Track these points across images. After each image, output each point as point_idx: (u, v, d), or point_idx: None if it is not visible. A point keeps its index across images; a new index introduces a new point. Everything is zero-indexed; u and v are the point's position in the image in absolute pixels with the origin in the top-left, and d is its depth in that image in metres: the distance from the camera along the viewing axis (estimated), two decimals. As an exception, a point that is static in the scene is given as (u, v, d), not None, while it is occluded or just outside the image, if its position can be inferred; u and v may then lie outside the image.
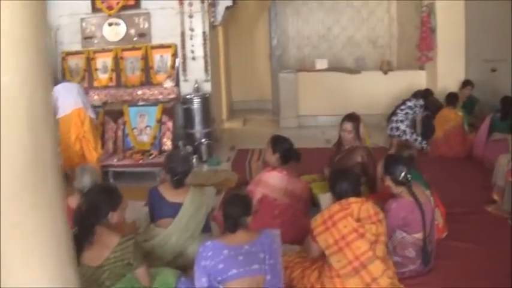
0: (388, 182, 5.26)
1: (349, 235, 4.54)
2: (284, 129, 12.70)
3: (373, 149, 7.27)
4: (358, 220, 4.59)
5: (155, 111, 9.54)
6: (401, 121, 10.22)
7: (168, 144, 9.37)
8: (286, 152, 6.10)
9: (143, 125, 9.53)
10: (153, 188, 5.48)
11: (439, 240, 5.88)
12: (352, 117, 6.91)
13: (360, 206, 4.64)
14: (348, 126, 6.80)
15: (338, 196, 4.76)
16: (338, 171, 5.02)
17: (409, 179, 5.16)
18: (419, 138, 10.23)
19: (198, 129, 10.32)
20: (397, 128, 10.23)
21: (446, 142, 9.81)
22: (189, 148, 9.76)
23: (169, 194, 5.37)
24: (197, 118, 10.31)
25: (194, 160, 9.57)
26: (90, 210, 4.29)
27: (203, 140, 10.14)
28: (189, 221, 5.29)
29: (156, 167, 8.60)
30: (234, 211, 4.25)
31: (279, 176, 5.99)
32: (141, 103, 9.90)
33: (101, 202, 4.38)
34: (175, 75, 10.62)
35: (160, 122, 9.48)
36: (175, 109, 10.19)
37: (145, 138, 9.46)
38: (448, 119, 9.91)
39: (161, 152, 9.22)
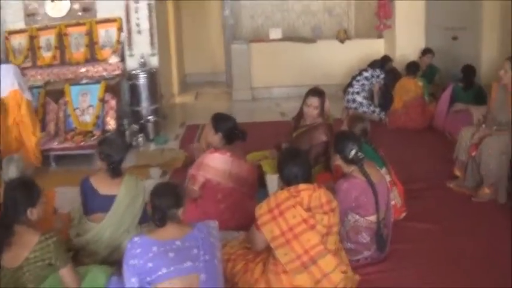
0: (338, 160, 4.82)
1: (298, 226, 4.04)
2: (237, 102, 12.38)
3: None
4: (308, 209, 4.10)
5: (98, 90, 8.91)
6: (358, 93, 9.82)
7: (111, 124, 8.74)
8: (229, 132, 5.58)
9: (85, 104, 8.89)
10: (84, 179, 4.95)
11: (397, 221, 5.48)
12: (319, 92, 6.41)
13: (310, 194, 4.14)
14: (315, 101, 6.28)
15: (287, 181, 4.27)
16: (288, 153, 4.47)
17: (361, 156, 4.71)
18: (377, 110, 9.82)
19: (144, 106, 9.79)
20: (354, 100, 9.81)
21: (406, 113, 9.40)
22: (135, 127, 9.21)
23: (103, 186, 4.88)
24: (143, 94, 9.77)
25: (140, 139, 9.11)
26: (6, 208, 3.93)
27: (150, 118, 9.58)
28: (124, 214, 4.83)
29: None
30: (163, 202, 3.76)
31: (222, 158, 5.49)
32: (84, 81, 9.25)
33: (17, 199, 3.95)
34: (120, 51, 10.06)
35: (103, 100, 8.84)
36: (121, 86, 9.60)
37: (88, 118, 8.84)
38: (408, 89, 9.47)
39: (104, 132, 8.61)
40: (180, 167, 7.63)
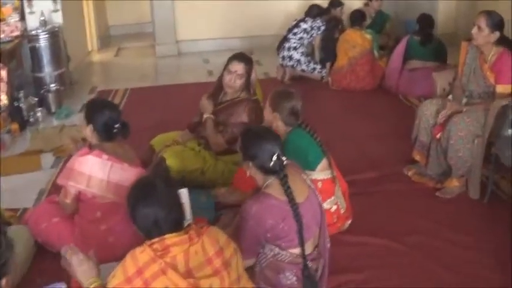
0: (252, 170, 3.41)
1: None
2: (161, 58, 11.00)
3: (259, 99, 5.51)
4: (188, 273, 2.65)
5: (-15, 58, 7.40)
6: (295, 48, 8.45)
7: (3, 100, 7.20)
8: (104, 125, 4.10)
9: (-27, 76, 7.37)
10: None
11: (339, 235, 4.24)
12: (245, 58, 5.13)
13: (186, 249, 2.69)
14: (240, 68, 5.02)
15: (145, 232, 2.80)
16: (140, 186, 2.90)
17: (284, 163, 3.34)
18: (318, 67, 8.49)
19: (47, 71, 8.31)
20: (290, 57, 8.44)
21: (352, 72, 8.00)
22: (32, 99, 7.70)
23: None
24: (45, 58, 8.27)
25: (39, 114, 7.63)
26: None
27: (51, 86, 8.07)
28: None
29: None
30: None
31: (97, 162, 4.04)
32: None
33: None
34: (21, 7, 8.50)
35: (-9, 72, 7.29)
36: (20, 50, 8.19)
37: (-23, 93, 7.29)
38: (354, 44, 8.02)
39: (-5, 108, 7.16)
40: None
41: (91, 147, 4.11)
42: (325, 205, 4.11)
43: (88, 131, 4.13)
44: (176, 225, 2.77)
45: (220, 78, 5.16)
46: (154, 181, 2.84)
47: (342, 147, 5.71)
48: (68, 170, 4.06)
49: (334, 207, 4.21)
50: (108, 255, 3.78)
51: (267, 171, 3.33)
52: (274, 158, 3.28)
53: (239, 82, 5.03)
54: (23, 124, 7.21)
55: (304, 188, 3.45)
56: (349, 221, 4.38)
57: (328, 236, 3.58)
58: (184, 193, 3.93)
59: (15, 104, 7.36)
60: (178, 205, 2.84)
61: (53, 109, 7.89)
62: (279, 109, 4.20)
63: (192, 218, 3.93)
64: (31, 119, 7.43)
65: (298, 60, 8.36)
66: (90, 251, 3.20)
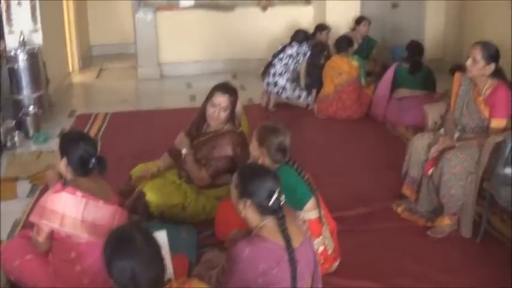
0: (248, 210, 3.13)
1: None
2: (143, 81, 10.73)
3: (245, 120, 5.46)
4: None
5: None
6: (280, 74, 8.23)
7: (-21, 122, 6.97)
8: (79, 160, 3.85)
9: (-51, 99, 7.13)
10: None
11: (327, 277, 3.96)
12: (229, 89, 4.91)
13: None
14: (223, 100, 4.80)
15: (120, 285, 2.58)
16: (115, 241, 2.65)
17: (282, 202, 3.12)
18: (304, 94, 8.27)
19: (26, 94, 8.01)
20: (275, 84, 8.22)
21: (339, 99, 7.77)
22: (10, 122, 7.38)
23: None
24: (24, 80, 7.98)
25: (16, 138, 7.33)
26: None
27: (30, 109, 7.81)
28: None
29: None
30: None
31: (70, 200, 3.77)
32: None
33: None
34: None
35: (-32, 93, 7.04)
36: (-1, 71, 7.89)
37: (-49, 116, 7.04)
38: (340, 71, 7.80)
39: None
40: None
41: (65, 183, 3.90)
42: (312, 246, 3.93)
43: (62, 165, 3.89)
44: (156, 282, 2.55)
45: (203, 108, 4.93)
46: (133, 232, 2.59)
47: (329, 180, 5.51)
48: (41, 207, 3.80)
49: (321, 247, 3.99)
50: None
51: (265, 210, 3.09)
52: (275, 196, 3.07)
53: (223, 114, 4.82)
54: (0, 148, 6.95)
55: (299, 233, 3.22)
56: (337, 262, 4.15)
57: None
58: (162, 236, 3.76)
59: (-8, 127, 7.11)
60: (159, 260, 2.60)
61: (31, 133, 7.60)
62: (266, 144, 3.99)
63: (169, 264, 3.75)
64: (8, 144, 7.15)
65: (283, 87, 8.14)
66: None
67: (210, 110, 4.83)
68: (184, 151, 4.87)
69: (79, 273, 3.80)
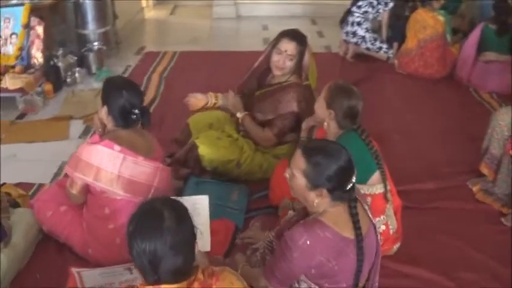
0: (320, 196, 2.65)
1: None
2: (218, 20, 10.24)
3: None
4: None
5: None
6: (359, 23, 7.64)
7: (38, 58, 6.73)
8: (121, 110, 3.53)
9: (8, 31, 6.85)
10: None
11: (385, 260, 3.48)
12: (298, 36, 4.40)
13: None
14: (291, 48, 4.31)
15: (139, 267, 2.23)
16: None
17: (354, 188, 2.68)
18: (385, 46, 7.66)
19: (91, 29, 7.76)
20: (354, 33, 7.66)
21: (421, 56, 7.15)
22: (71, 58, 7.15)
23: None
24: (90, 15, 7.71)
25: (77, 74, 7.08)
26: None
27: (94, 44, 7.55)
28: None
29: (18, 92, 6.20)
30: None
31: (107, 154, 3.46)
32: (13, 1, 7.09)
33: None
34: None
35: (27, 26, 6.76)
36: (63, 5, 7.60)
37: (11, 49, 6.80)
38: (425, 25, 7.14)
39: (29, 67, 6.62)
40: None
41: (103, 134, 3.58)
42: (372, 224, 3.50)
43: (103, 114, 3.60)
44: (179, 271, 2.18)
45: (268, 56, 4.49)
46: (164, 209, 2.20)
47: (399, 145, 5.09)
48: (76, 159, 3.53)
49: (383, 227, 3.57)
50: (114, 257, 3.46)
51: (339, 197, 2.66)
52: (352, 181, 2.63)
53: (289, 64, 4.35)
54: (59, 85, 6.73)
55: (367, 219, 2.79)
56: (398, 244, 3.73)
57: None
58: (204, 202, 3.38)
59: (52, 62, 6.86)
60: (188, 247, 2.21)
61: (93, 70, 7.39)
62: (335, 106, 3.52)
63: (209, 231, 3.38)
64: (68, 80, 6.94)
65: (363, 37, 7.59)
66: None
67: (274, 58, 4.37)
68: (239, 114, 4.50)
69: (112, 232, 3.54)
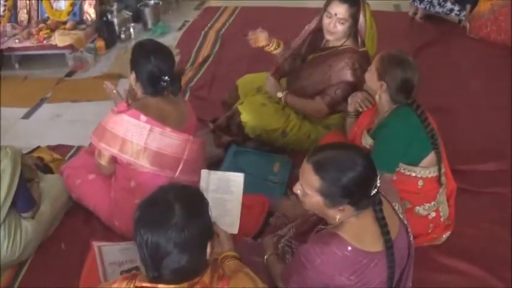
0: (343, 211, 2.32)
1: None
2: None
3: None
4: None
5: (74, -36, 6.73)
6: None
7: (91, 13, 6.59)
8: (150, 76, 3.28)
9: (60, -14, 6.80)
10: None
11: (428, 249, 3.27)
12: None
13: None
14: (341, 10, 3.88)
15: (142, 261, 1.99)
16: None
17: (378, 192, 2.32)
18: (456, 8, 7.09)
19: (148, -18, 7.56)
20: (421, -2, 7.14)
21: (494, 20, 6.60)
22: (126, 13, 7.00)
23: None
24: (147, -34, 7.50)
25: (132, 30, 6.94)
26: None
27: (150, -1, 7.34)
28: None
29: (67, 49, 6.07)
30: None
31: (133, 124, 3.23)
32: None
33: None
34: None
35: (79, -20, 6.67)
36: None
37: (63, 5, 6.68)
38: (499, -14, 6.63)
39: (81, 23, 6.52)
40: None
41: (131, 103, 3.35)
42: (422, 211, 3.22)
43: (132, 80, 3.38)
44: (183, 273, 1.94)
45: (321, 19, 4.10)
46: (174, 203, 1.94)
47: (460, 117, 4.65)
48: (101, 128, 3.34)
49: (433, 214, 3.24)
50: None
51: (362, 206, 2.31)
52: (377, 185, 2.30)
53: (340, 28, 3.93)
54: (112, 41, 6.58)
55: (395, 221, 2.45)
56: (448, 233, 3.38)
57: (414, 248, 2.58)
58: (239, 180, 3.15)
59: (106, 18, 6.69)
60: (197, 247, 1.96)
61: (149, 25, 7.20)
62: (388, 78, 3.14)
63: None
64: (122, 36, 6.78)
65: (431, 2, 7.09)
66: None
67: (325, 21, 3.97)
68: (279, 95, 4.17)
69: (134, 207, 3.29)
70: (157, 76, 3.24)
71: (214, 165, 3.92)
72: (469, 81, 5.51)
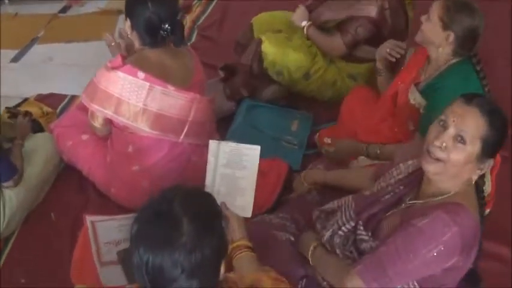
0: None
1: None
2: None
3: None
4: None
5: None
6: None
7: None
8: (148, 25, 2.86)
9: None
10: None
11: None
12: None
13: None
14: None
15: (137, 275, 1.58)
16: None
17: None
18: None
19: None
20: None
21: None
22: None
23: None
24: None
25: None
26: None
27: None
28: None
29: None
30: None
31: (129, 82, 2.82)
32: None
33: None
34: None
35: None
36: None
37: None
38: None
39: None
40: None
41: (126, 57, 2.90)
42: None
43: (127, 29, 2.95)
44: None
45: None
46: (182, 216, 1.50)
47: (501, 71, 4.09)
48: (93, 86, 2.93)
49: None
50: (138, 202, 2.73)
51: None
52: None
53: None
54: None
55: None
56: (487, 211, 2.95)
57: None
58: (254, 152, 2.67)
59: None
60: (209, 269, 1.54)
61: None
62: (455, 27, 2.69)
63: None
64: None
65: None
66: None
67: None
68: (304, 23, 3.72)
69: (136, 174, 3.02)
70: (156, 24, 2.82)
71: (225, 121, 3.64)
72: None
